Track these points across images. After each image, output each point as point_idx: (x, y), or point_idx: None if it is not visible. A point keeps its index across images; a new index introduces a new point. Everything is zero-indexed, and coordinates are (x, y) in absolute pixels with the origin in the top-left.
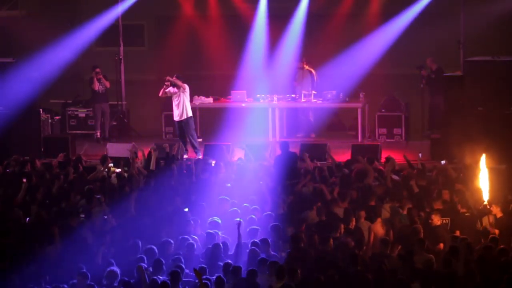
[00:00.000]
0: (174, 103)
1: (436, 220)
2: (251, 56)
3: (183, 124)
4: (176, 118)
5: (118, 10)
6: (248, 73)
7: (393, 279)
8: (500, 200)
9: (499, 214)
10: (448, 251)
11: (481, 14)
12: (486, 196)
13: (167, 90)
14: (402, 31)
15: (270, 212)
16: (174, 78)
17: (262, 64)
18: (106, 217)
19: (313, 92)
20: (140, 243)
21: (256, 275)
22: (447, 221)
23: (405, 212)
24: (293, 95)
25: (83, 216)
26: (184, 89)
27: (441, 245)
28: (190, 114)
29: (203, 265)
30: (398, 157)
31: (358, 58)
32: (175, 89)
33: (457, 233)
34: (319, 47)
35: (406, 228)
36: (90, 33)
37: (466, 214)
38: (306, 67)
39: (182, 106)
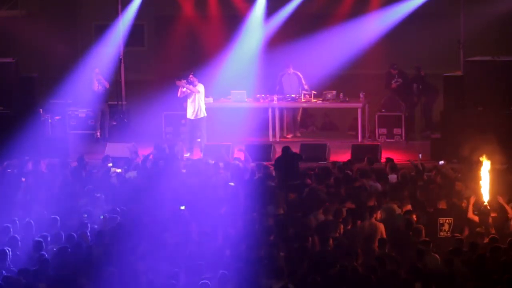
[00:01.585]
0: (189, 101)
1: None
2: (249, 56)
3: (195, 123)
4: (189, 116)
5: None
6: (248, 73)
7: (396, 279)
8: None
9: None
10: (450, 251)
11: (481, 14)
12: (486, 196)
13: (183, 90)
14: (401, 30)
15: None
16: (184, 82)
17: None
18: (102, 217)
19: (313, 92)
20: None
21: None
22: (450, 221)
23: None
24: (293, 95)
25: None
26: (199, 91)
27: None
28: (204, 114)
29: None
30: (398, 157)
31: (358, 58)
32: (191, 88)
33: (466, 232)
34: (319, 47)
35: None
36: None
37: (476, 213)
38: (292, 71)
39: (197, 105)
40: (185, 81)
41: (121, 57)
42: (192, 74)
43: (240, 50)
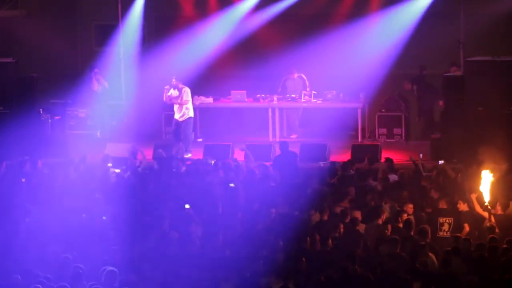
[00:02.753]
0: (176, 105)
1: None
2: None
3: (182, 124)
4: (177, 117)
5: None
6: (248, 72)
7: (396, 279)
8: (499, 199)
9: (498, 213)
10: (449, 251)
11: (481, 14)
12: (487, 196)
13: (169, 94)
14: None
15: None
16: (167, 88)
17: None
18: (104, 217)
19: (313, 92)
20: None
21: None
22: (450, 221)
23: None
24: (293, 95)
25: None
26: (188, 99)
27: None
28: (191, 114)
29: None
30: (398, 157)
31: (358, 58)
32: (177, 92)
33: (465, 231)
34: (319, 47)
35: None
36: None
37: (473, 213)
38: (297, 75)
39: (184, 107)
40: (167, 87)
41: (121, 57)
42: (175, 78)
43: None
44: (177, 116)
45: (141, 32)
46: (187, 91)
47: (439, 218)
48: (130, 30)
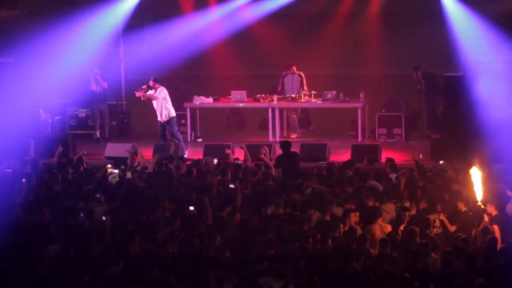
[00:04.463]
0: (155, 105)
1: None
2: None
3: (165, 125)
4: (159, 119)
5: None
6: (248, 72)
7: (394, 279)
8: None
9: (494, 213)
10: (448, 251)
11: (480, 14)
12: (480, 196)
13: (147, 94)
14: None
15: None
16: (143, 90)
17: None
18: (104, 217)
19: (313, 92)
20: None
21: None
22: (440, 217)
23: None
24: (293, 95)
25: (82, 215)
26: (158, 96)
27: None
28: (172, 114)
29: None
30: (398, 157)
31: (359, 58)
32: (153, 92)
33: (453, 228)
34: (319, 47)
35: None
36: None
37: (470, 214)
38: (296, 71)
39: (161, 107)
40: (145, 87)
41: (121, 57)
42: (152, 79)
43: None
44: (159, 118)
45: (141, 31)
46: (162, 91)
47: (429, 216)
48: (129, 28)
